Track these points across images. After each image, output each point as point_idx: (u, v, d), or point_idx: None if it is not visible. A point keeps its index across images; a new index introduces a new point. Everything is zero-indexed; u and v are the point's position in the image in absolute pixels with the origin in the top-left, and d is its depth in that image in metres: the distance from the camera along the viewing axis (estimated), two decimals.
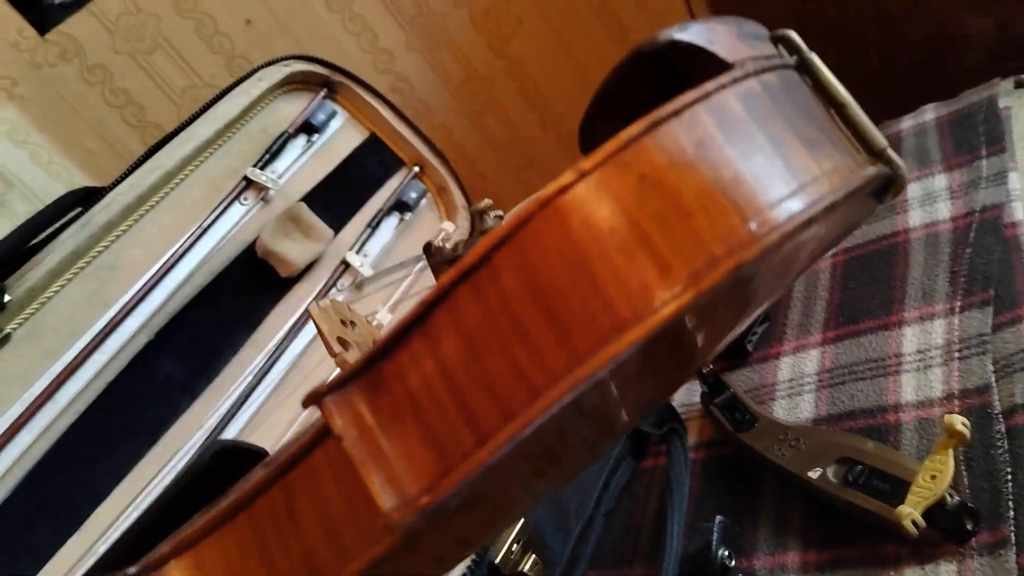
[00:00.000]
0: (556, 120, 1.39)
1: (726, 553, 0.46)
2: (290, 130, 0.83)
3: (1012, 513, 0.41)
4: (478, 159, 1.33)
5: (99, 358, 0.67)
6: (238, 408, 0.72)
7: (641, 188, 0.21)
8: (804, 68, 0.25)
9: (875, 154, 0.25)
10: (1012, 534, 0.40)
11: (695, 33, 0.25)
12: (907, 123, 0.77)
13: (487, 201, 0.45)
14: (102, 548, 0.63)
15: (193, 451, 0.69)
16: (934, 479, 0.40)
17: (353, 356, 0.31)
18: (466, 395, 0.20)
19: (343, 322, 0.34)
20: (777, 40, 0.26)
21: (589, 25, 1.37)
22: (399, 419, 0.21)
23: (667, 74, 0.27)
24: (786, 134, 0.23)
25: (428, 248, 0.42)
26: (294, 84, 0.86)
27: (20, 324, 0.65)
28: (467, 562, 0.47)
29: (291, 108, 0.85)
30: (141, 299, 0.70)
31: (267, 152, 0.81)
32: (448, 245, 0.41)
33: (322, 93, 0.86)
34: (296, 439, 0.24)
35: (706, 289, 0.20)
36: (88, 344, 0.67)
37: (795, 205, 0.21)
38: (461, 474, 0.20)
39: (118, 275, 0.70)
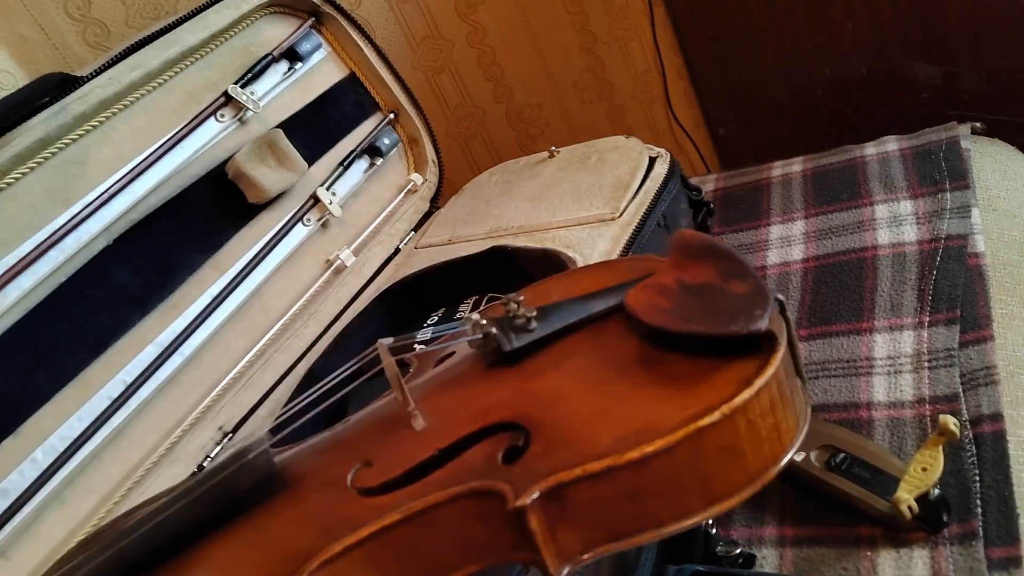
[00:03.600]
0: (508, 94, 1.39)
1: (710, 522, 0.49)
2: (274, 54, 0.80)
3: (980, 510, 0.45)
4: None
5: (55, 255, 0.63)
6: (193, 329, 0.69)
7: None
8: None
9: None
10: (980, 528, 0.44)
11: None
12: (870, 150, 0.82)
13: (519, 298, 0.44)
14: (40, 455, 0.60)
15: (144, 365, 0.66)
16: (925, 471, 0.44)
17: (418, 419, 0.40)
18: (616, 518, 0.32)
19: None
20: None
21: (553, 8, 1.38)
22: (566, 520, 0.32)
23: None
24: None
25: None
26: (282, 7, 0.82)
27: None
28: None
29: (275, 31, 0.82)
30: (106, 201, 0.66)
31: (249, 71, 0.77)
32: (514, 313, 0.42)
33: (310, 22, 0.84)
34: (449, 484, 0.34)
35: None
36: (46, 239, 0.62)
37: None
38: (607, 550, 0.32)
39: (84, 172, 0.66)
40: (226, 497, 0.38)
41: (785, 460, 0.33)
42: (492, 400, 0.39)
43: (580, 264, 0.64)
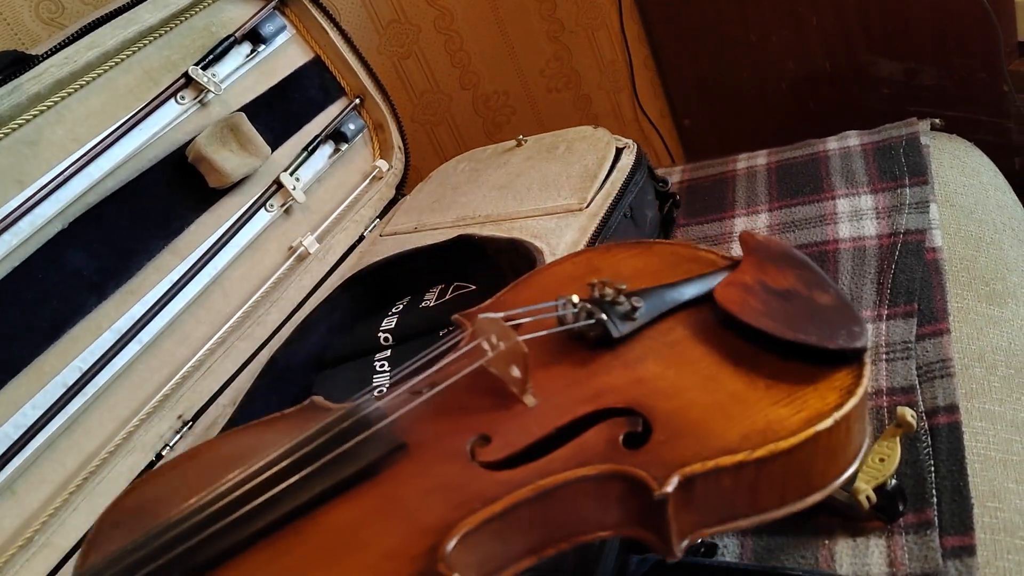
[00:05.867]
0: (475, 81, 1.38)
1: None
2: (237, 35, 0.78)
3: (935, 500, 0.46)
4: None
5: (9, 239, 0.61)
6: (152, 315, 0.68)
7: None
8: None
9: None
10: (935, 518, 0.45)
11: None
12: (832, 144, 0.83)
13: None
14: None
15: (100, 352, 0.65)
16: (882, 462, 0.45)
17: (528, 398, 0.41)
18: (728, 505, 0.35)
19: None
20: None
21: None
22: (690, 505, 0.34)
23: None
24: None
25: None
26: None
27: None
28: None
29: (238, 11, 0.80)
30: (61, 183, 0.64)
31: (210, 53, 0.76)
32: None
33: (273, 3, 0.82)
34: (575, 463, 0.36)
35: None
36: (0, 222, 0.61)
37: None
38: (711, 532, 0.36)
39: (38, 152, 0.64)
40: (349, 465, 0.38)
41: (859, 456, 0.37)
42: (602, 384, 0.41)
43: (546, 254, 0.64)
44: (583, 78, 1.48)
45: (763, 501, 0.35)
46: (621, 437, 0.37)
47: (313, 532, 0.36)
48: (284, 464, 0.38)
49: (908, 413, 0.45)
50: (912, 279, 0.62)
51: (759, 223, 0.75)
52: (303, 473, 0.37)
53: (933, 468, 0.48)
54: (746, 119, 1.35)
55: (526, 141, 0.83)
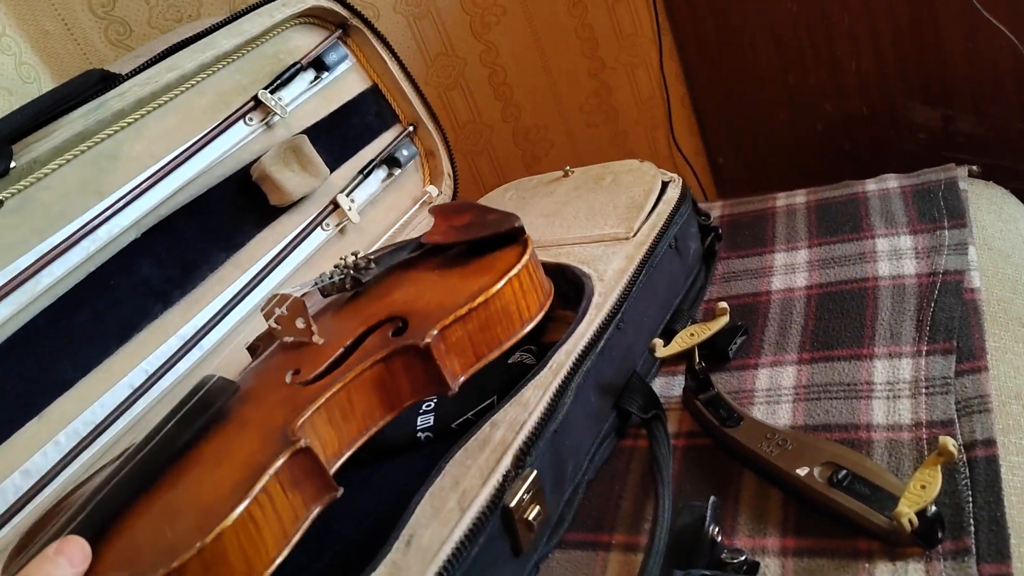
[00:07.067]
0: (516, 113, 1.42)
1: (716, 530, 0.51)
2: (302, 62, 0.82)
3: (973, 528, 0.48)
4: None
5: (87, 246, 0.65)
6: (214, 324, 0.71)
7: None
8: None
9: None
10: (973, 545, 0.47)
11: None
12: (871, 186, 0.85)
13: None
14: (63, 439, 0.61)
15: (165, 357, 0.68)
16: (924, 488, 0.46)
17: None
18: (477, 344, 0.54)
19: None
20: None
21: (565, 32, 1.41)
22: (450, 351, 0.52)
23: None
24: None
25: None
26: (312, 18, 0.85)
27: (14, 194, 0.61)
28: (484, 504, 0.49)
29: (304, 40, 0.85)
30: (137, 196, 0.68)
31: (278, 78, 0.80)
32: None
33: (337, 33, 0.86)
34: (365, 358, 0.52)
35: None
36: (79, 229, 0.64)
37: None
38: (476, 368, 0.54)
39: (116, 166, 0.68)
40: (202, 412, 0.51)
41: (551, 295, 0.59)
42: (368, 312, 0.59)
43: (594, 279, 0.67)
44: (621, 114, 1.52)
45: (498, 334, 0.54)
46: (390, 332, 0.54)
47: (191, 463, 0.48)
48: (155, 429, 0.51)
49: (950, 443, 0.46)
50: (951, 317, 0.63)
51: (799, 259, 0.77)
52: (169, 427, 0.50)
53: (971, 498, 0.49)
54: (780, 158, 1.37)
55: (573, 172, 0.86)
